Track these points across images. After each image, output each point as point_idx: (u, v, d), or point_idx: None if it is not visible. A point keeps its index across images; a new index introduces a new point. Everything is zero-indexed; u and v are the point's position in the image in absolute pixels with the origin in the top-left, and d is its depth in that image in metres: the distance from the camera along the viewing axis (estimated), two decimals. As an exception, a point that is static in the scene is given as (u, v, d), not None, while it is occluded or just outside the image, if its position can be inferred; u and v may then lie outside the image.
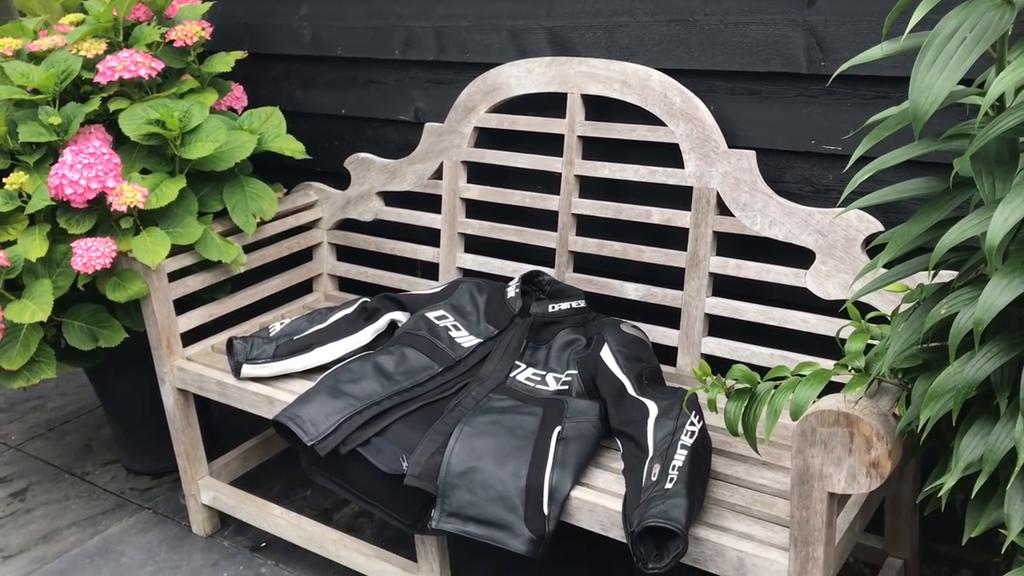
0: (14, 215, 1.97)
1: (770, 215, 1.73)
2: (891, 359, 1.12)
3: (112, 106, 2.03)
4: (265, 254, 2.25)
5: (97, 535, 2.27)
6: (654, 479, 1.43)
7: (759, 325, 1.78)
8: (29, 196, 1.95)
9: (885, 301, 1.62)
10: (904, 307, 1.26)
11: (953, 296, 1.01)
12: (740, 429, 1.30)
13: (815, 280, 1.69)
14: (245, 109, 2.40)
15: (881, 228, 1.62)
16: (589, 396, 1.71)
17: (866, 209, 1.65)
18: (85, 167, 1.90)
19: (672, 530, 1.34)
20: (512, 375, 1.78)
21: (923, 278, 1.53)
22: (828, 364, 1.65)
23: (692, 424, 1.50)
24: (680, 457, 1.44)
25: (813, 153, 1.75)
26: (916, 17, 0.92)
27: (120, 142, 2.08)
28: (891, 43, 1.04)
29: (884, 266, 1.26)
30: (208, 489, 2.16)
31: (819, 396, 1.24)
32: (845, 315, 1.70)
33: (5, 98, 1.95)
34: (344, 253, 2.45)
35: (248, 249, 2.26)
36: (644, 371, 1.70)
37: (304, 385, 1.93)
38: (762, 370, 1.80)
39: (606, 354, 1.71)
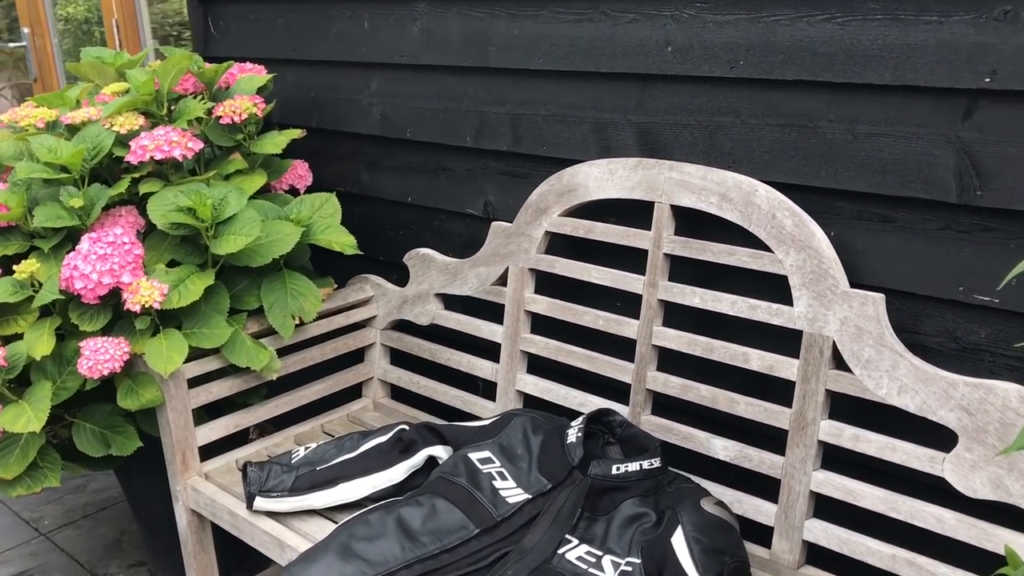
0: (24, 306, 1.77)
1: (900, 378, 1.35)
2: None
3: (142, 189, 1.81)
4: (307, 356, 1.99)
5: (102, 658, 2.03)
6: None
7: (880, 515, 1.40)
8: (41, 285, 1.75)
9: (1053, 513, 1.22)
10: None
11: None
12: None
13: (956, 470, 1.30)
14: (309, 189, 2.17)
15: (1051, 414, 1.23)
16: (652, 595, 1.35)
17: (1031, 385, 1.26)
18: (99, 259, 1.68)
19: None
20: (560, 552, 1.44)
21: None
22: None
23: (779, 668, 1.13)
24: None
25: (960, 303, 1.37)
26: None
27: (153, 227, 1.86)
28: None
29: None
30: (219, 624, 1.90)
31: None
32: (999, 520, 1.30)
33: (25, 177, 1.76)
34: (398, 357, 2.17)
35: (291, 349, 2.01)
36: (726, 568, 1.34)
37: (323, 525, 1.65)
38: (876, 575, 1.41)
39: (678, 542, 1.36)
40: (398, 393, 2.21)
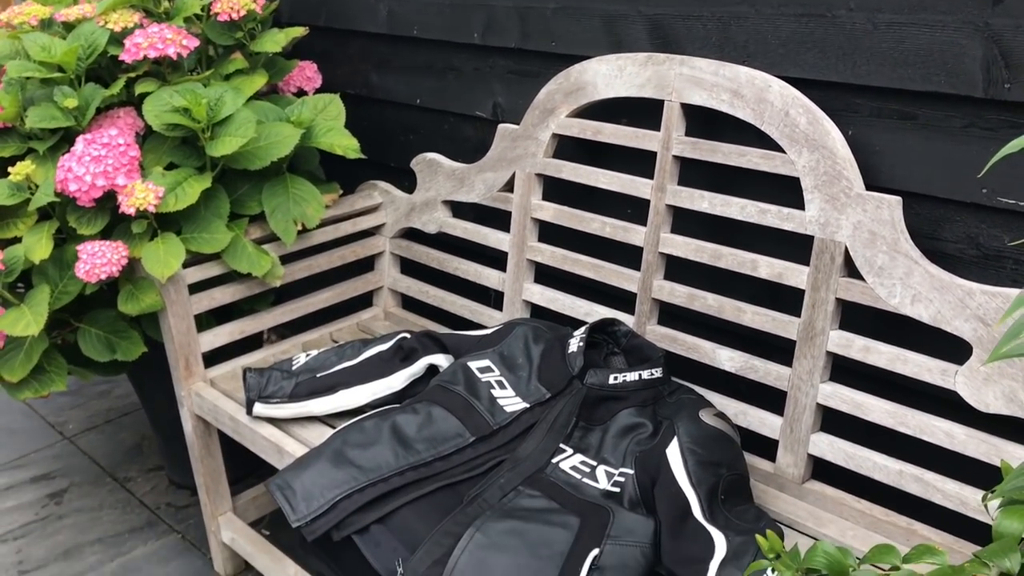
0: (21, 208, 1.74)
1: (914, 287, 1.27)
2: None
3: (138, 89, 1.76)
4: (314, 263, 1.95)
5: (118, 558, 2.06)
6: (702, 660, 1.03)
7: (888, 429, 1.34)
8: (37, 187, 1.72)
9: (1069, 429, 1.15)
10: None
11: None
12: (816, 642, 0.88)
13: (969, 383, 1.23)
14: (318, 91, 2.10)
15: (1073, 325, 1.15)
16: (645, 507, 1.31)
17: (1054, 294, 1.17)
18: (93, 160, 1.64)
19: None
20: (555, 461, 1.41)
21: None
22: (973, 506, 1.21)
23: (767, 582, 1.09)
24: (741, 635, 1.04)
25: (983, 206, 1.27)
26: None
27: (152, 130, 1.82)
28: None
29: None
30: (228, 528, 1.91)
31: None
32: (1011, 435, 1.24)
33: (19, 75, 1.71)
34: (408, 266, 2.13)
35: (298, 256, 1.97)
36: (722, 482, 1.29)
37: (322, 432, 1.63)
38: (882, 490, 1.36)
39: (673, 453, 1.32)
40: (408, 302, 2.17)
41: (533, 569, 1.20)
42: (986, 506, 0.99)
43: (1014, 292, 1.17)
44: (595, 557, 1.21)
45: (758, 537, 0.90)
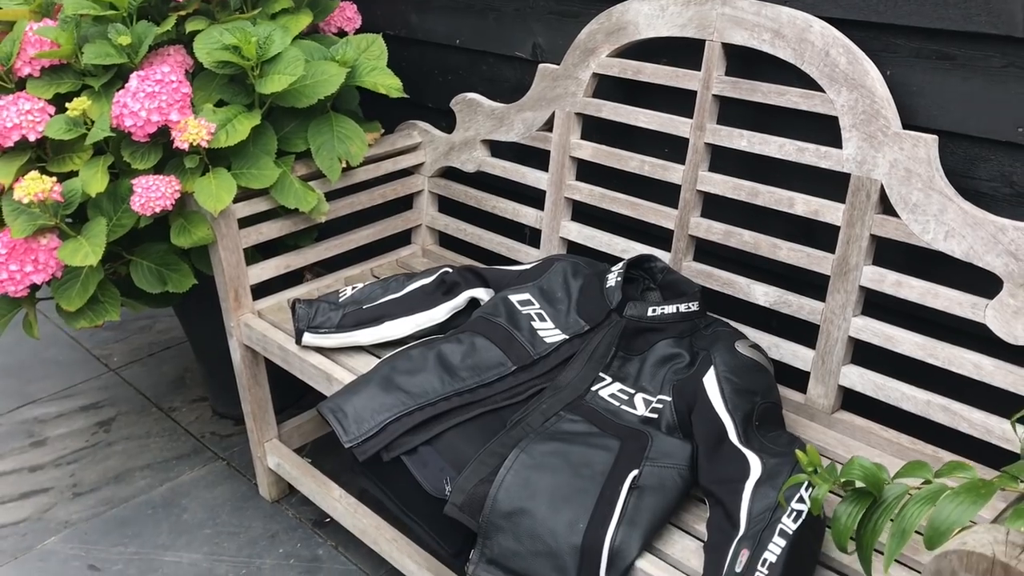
0: (78, 143, 1.80)
1: (947, 223, 1.31)
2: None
3: (188, 27, 1.81)
4: (355, 201, 2.01)
5: (167, 482, 2.15)
6: (738, 570, 1.10)
7: (918, 361, 1.39)
8: (93, 123, 1.77)
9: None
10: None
11: None
12: (851, 547, 0.95)
13: (999, 316, 1.28)
14: (358, 32, 2.14)
15: (1103, 260, 1.19)
16: (682, 432, 1.38)
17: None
18: (148, 96, 1.69)
19: (745, 654, 1.02)
20: (594, 389, 1.47)
21: None
22: (999, 436, 1.26)
23: (801, 500, 1.15)
24: (776, 547, 1.10)
25: (1018, 144, 1.31)
26: None
27: (201, 68, 1.86)
28: None
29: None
30: (274, 454, 1.99)
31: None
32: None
33: (74, 13, 1.76)
34: (445, 205, 2.18)
35: (341, 193, 2.03)
36: (756, 408, 1.35)
37: (368, 361, 1.70)
38: (913, 420, 1.41)
39: (710, 381, 1.37)
40: (445, 240, 2.22)
41: (576, 487, 1.27)
42: (1014, 427, 1.04)
43: (1046, 228, 1.22)
44: (635, 477, 1.28)
45: (797, 452, 0.95)
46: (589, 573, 1.20)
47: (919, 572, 1.17)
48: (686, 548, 1.24)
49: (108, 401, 2.48)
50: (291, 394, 2.34)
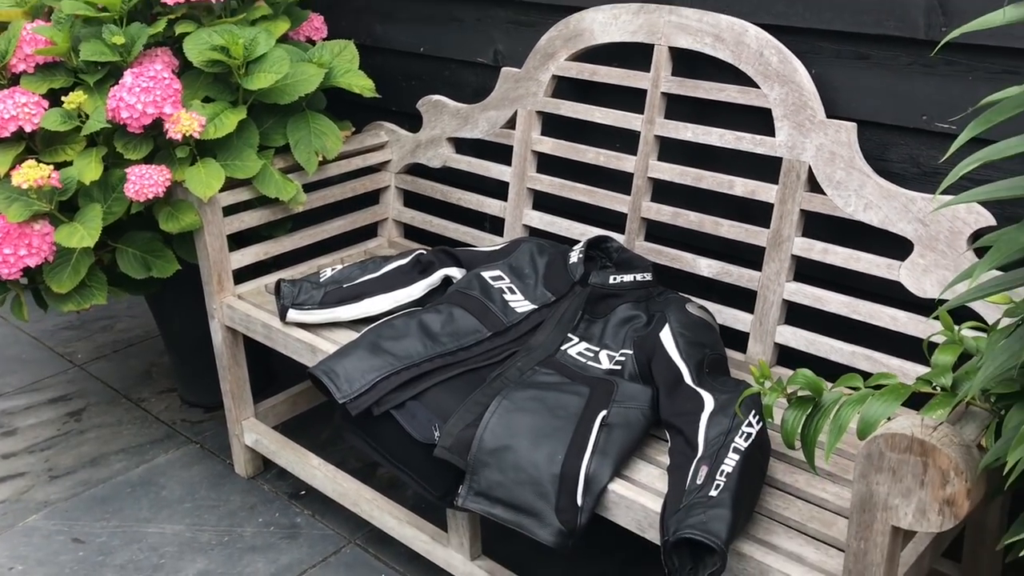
0: (72, 135, 1.92)
1: (866, 196, 1.54)
2: (982, 382, 0.95)
3: (178, 29, 1.95)
4: (328, 194, 2.16)
5: (143, 464, 2.25)
6: (699, 483, 1.29)
7: (843, 318, 1.61)
8: (88, 116, 1.90)
9: (992, 308, 1.42)
10: (1006, 322, 1.08)
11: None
12: (797, 444, 1.14)
13: (911, 274, 1.50)
14: (325, 40, 2.30)
15: (993, 223, 1.42)
16: (643, 380, 1.56)
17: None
18: (143, 91, 1.83)
19: (710, 545, 1.20)
20: (563, 348, 1.65)
21: (1036, 285, 1.33)
22: (912, 376, 1.48)
23: (750, 425, 1.35)
24: (731, 462, 1.29)
25: (923, 131, 1.54)
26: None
27: (186, 68, 2.00)
28: (1017, 7, 0.85)
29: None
30: (251, 431, 2.11)
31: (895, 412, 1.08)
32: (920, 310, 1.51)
33: (69, 13, 1.89)
34: (411, 199, 2.34)
35: (313, 187, 2.18)
36: (706, 358, 1.54)
37: (349, 336, 1.85)
38: (840, 369, 1.62)
39: (665, 336, 1.57)
40: (411, 232, 2.38)
41: (553, 426, 1.44)
42: (925, 350, 1.25)
43: (946, 197, 1.44)
44: (604, 416, 1.46)
45: (751, 367, 1.15)
46: (568, 496, 1.37)
47: (852, 461, 1.37)
48: (651, 474, 1.42)
49: (77, 394, 2.56)
50: (262, 380, 2.46)
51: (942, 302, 1.46)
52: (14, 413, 2.49)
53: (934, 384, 1.12)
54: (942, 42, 1.01)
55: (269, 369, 2.51)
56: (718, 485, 1.26)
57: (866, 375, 1.58)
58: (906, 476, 1.05)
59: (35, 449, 2.33)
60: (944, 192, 1.50)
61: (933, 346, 1.36)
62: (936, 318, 1.46)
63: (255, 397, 2.32)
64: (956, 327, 1.19)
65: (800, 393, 1.15)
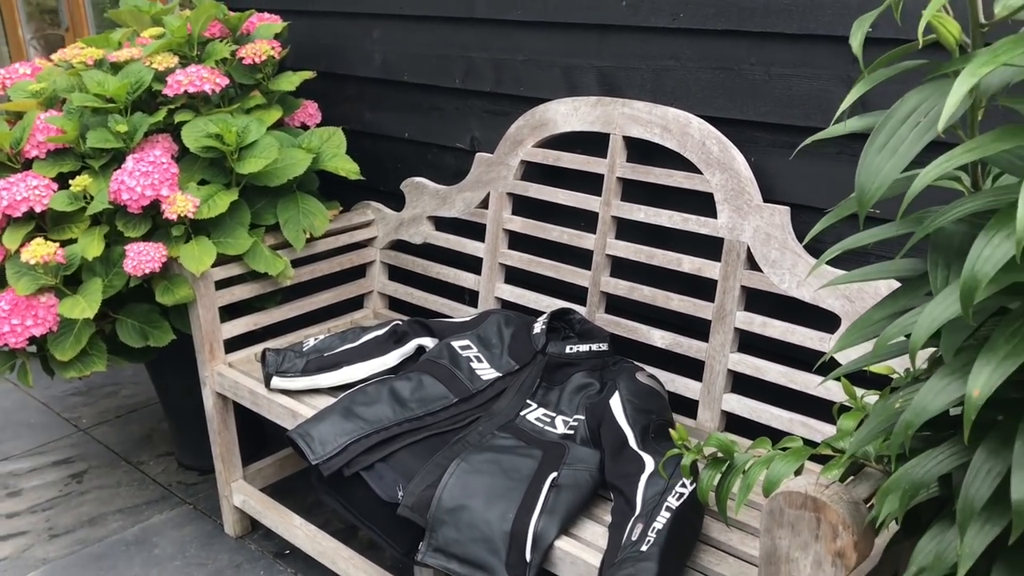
0: (77, 215, 2.08)
1: (799, 274, 1.67)
2: (856, 445, 1.06)
3: (177, 118, 2.12)
4: (316, 268, 2.31)
5: (138, 523, 2.37)
6: (634, 539, 1.39)
7: (782, 386, 1.72)
8: (92, 198, 2.06)
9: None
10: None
11: (909, 391, 0.95)
12: (711, 498, 1.25)
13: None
14: (319, 125, 2.47)
15: (910, 299, 1.54)
16: (593, 443, 1.68)
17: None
18: (143, 175, 1.99)
19: (636, 595, 1.30)
20: (522, 414, 1.77)
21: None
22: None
23: (683, 486, 1.46)
24: (663, 519, 1.40)
25: (851, 214, 1.67)
26: (850, 99, 0.88)
27: (185, 152, 2.17)
28: (861, 119, 0.99)
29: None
30: (240, 492, 2.23)
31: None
32: (872, 384, 1.62)
33: (79, 105, 2.07)
34: (395, 273, 2.49)
35: (303, 262, 2.33)
36: (652, 424, 1.66)
37: (328, 402, 1.97)
38: (780, 434, 1.74)
39: (615, 402, 1.69)
40: (395, 304, 2.52)
41: (506, 487, 1.55)
42: (835, 414, 1.36)
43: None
44: (554, 478, 1.57)
45: (671, 430, 1.27)
46: (517, 552, 1.48)
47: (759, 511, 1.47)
48: (595, 532, 1.53)
49: (79, 457, 2.69)
50: (252, 444, 2.58)
51: (837, 365, 1.58)
52: (19, 475, 2.61)
53: (834, 447, 1.23)
54: (811, 140, 1.15)
55: (263, 433, 2.64)
56: (649, 540, 1.37)
57: (808, 441, 1.70)
58: (803, 530, 1.16)
59: (37, 509, 2.45)
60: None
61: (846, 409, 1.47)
62: (872, 383, 1.57)
63: (249, 460, 2.45)
64: (859, 394, 1.31)
65: (715, 455, 1.27)
